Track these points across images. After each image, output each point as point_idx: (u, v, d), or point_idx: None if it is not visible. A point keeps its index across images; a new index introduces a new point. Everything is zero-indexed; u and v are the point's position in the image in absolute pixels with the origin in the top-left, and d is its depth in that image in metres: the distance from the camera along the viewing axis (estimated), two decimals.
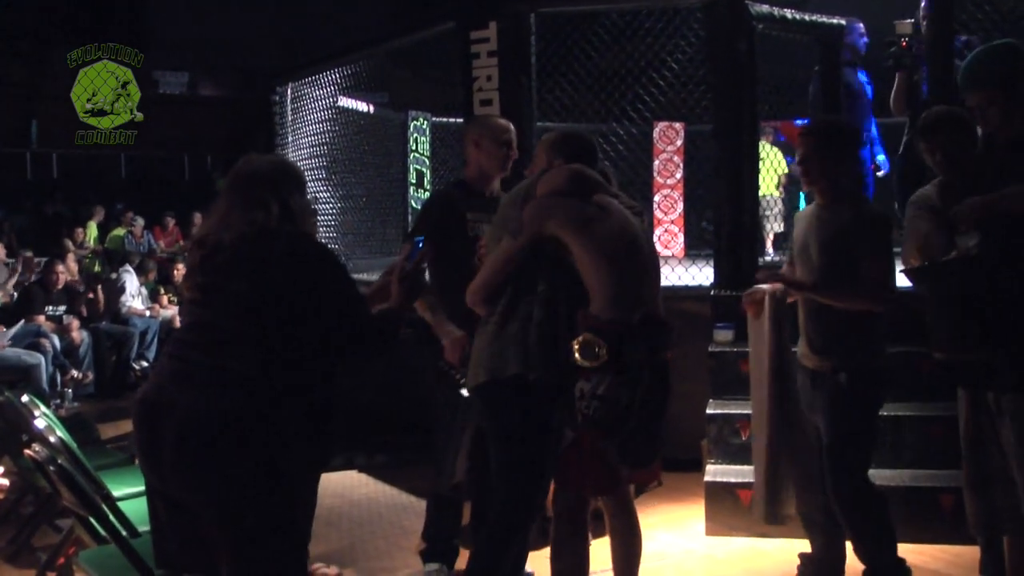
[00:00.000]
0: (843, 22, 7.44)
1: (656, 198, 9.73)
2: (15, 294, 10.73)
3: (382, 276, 3.46)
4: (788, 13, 6.96)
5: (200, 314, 3.02)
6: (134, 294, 11.29)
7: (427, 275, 3.50)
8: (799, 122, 7.03)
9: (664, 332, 3.61)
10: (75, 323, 10.13)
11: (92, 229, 15.34)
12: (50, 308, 10.02)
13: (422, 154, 10.79)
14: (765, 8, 6.99)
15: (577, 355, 3.47)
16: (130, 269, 11.64)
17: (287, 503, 2.87)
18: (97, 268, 13.98)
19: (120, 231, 15.22)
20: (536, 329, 3.59)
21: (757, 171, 6.74)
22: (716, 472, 5.40)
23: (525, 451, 3.64)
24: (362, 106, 9.85)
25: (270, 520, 2.83)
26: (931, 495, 5.05)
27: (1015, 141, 3.57)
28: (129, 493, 4.10)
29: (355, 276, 7.23)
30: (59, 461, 3.39)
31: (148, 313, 11.31)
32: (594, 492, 3.71)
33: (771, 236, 9.75)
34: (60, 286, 10.32)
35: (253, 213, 2.97)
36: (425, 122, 10.86)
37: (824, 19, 7.23)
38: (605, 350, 3.43)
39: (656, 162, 9.43)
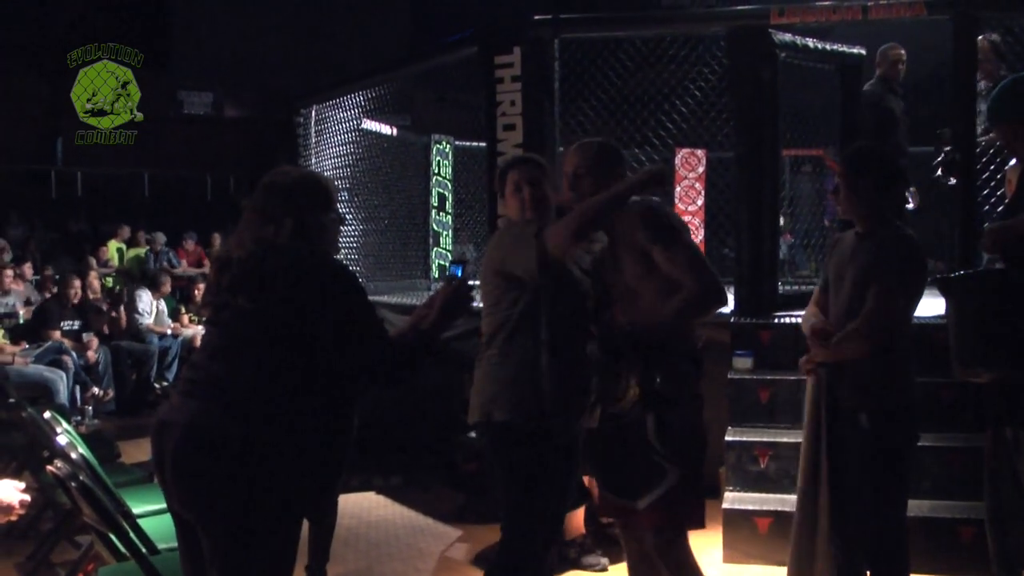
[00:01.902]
0: (863, 51, 7.43)
1: None
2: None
3: (423, 304, 3.34)
4: (810, 42, 6.97)
5: (210, 332, 3.04)
6: (148, 311, 11.34)
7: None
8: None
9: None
10: (94, 341, 10.19)
11: (114, 248, 15.42)
12: (65, 323, 10.08)
13: (444, 177, 10.83)
14: (788, 37, 7.01)
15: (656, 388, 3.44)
16: (144, 288, 11.70)
17: (272, 525, 2.83)
18: (113, 285, 14.06)
19: (140, 251, 15.30)
20: (543, 376, 3.59)
21: (778, 199, 6.75)
22: (734, 500, 5.39)
23: (520, 494, 3.62)
24: (385, 129, 9.91)
25: (251, 540, 2.80)
26: (950, 526, 5.01)
27: None
28: (149, 511, 4.12)
29: (376, 299, 7.29)
30: (80, 477, 3.42)
31: (169, 331, 11.38)
32: (698, 525, 3.66)
33: None
34: (76, 301, 10.40)
35: (264, 229, 2.96)
36: (448, 146, 10.91)
37: (846, 48, 7.24)
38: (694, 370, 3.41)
39: (678, 188, 9.43)
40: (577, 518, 5.22)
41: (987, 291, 3.66)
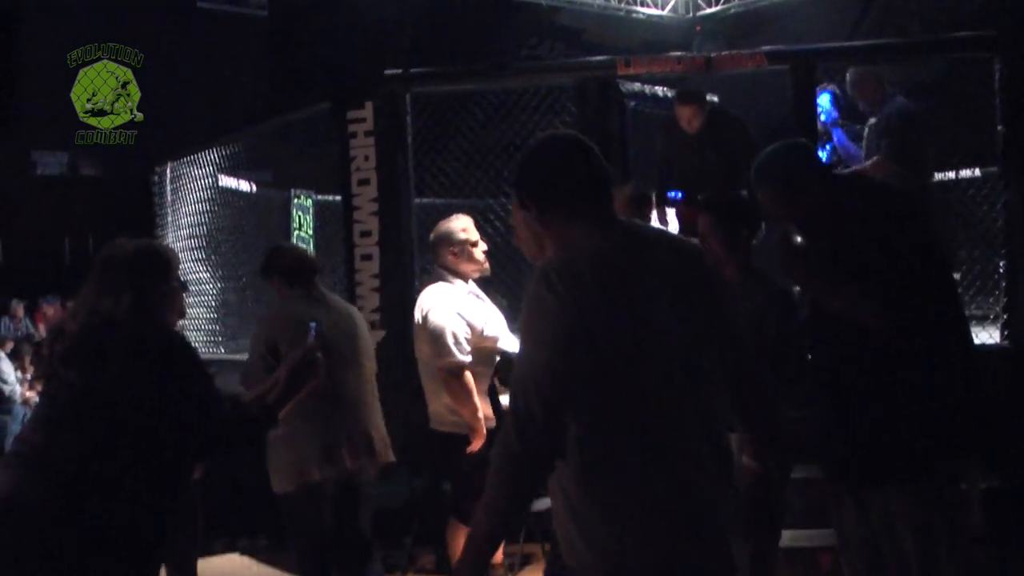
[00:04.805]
0: (715, 98, 7.61)
1: None
2: None
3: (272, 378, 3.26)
4: (659, 91, 7.18)
5: (39, 403, 3.01)
6: (9, 380, 11.00)
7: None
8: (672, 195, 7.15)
9: None
10: None
11: None
12: None
13: (306, 232, 10.77)
14: (637, 86, 7.21)
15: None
16: (2, 355, 11.35)
17: None
18: None
19: None
20: None
21: None
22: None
23: None
24: (244, 185, 9.80)
25: None
26: (810, 554, 5.17)
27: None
28: None
29: (236, 357, 7.17)
30: None
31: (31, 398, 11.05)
32: None
33: None
34: None
35: (100, 302, 2.93)
36: (308, 200, 10.86)
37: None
38: None
39: None
40: None
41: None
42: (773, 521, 4.21)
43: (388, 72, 7.16)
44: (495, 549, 2.35)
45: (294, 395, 3.12)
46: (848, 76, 6.74)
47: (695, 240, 4.11)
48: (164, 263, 3.14)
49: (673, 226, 6.93)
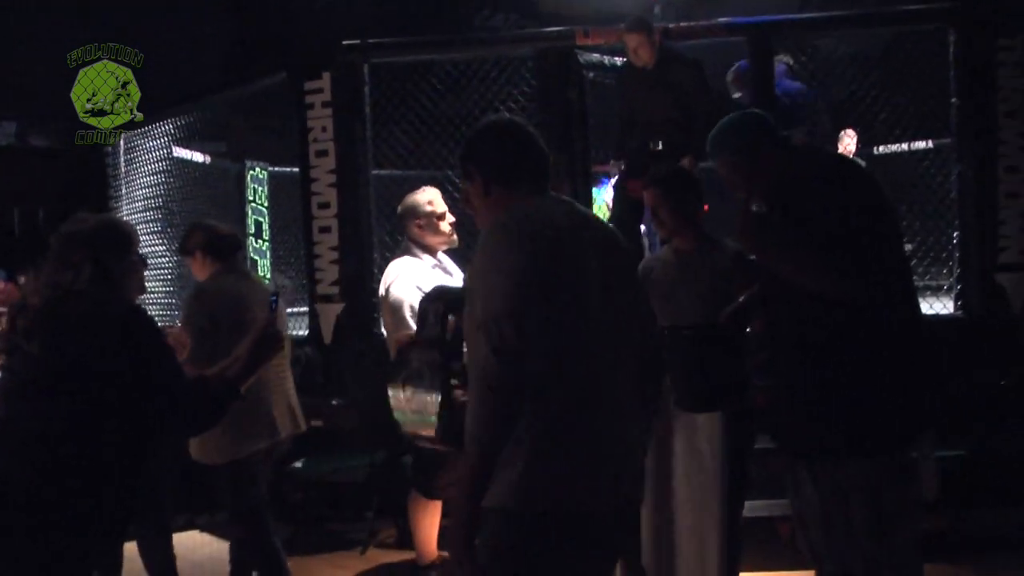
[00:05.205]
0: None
1: None
2: None
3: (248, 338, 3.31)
4: (618, 60, 7.17)
5: (1, 376, 2.99)
6: None
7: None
8: None
9: None
10: None
11: None
12: None
13: (261, 204, 10.69)
14: (595, 57, 7.20)
15: None
16: None
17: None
18: None
19: None
20: None
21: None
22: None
23: None
24: (198, 156, 9.70)
25: None
26: (769, 524, 5.25)
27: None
28: None
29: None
30: None
31: None
32: None
33: None
34: None
35: (62, 275, 2.94)
36: (263, 172, 10.78)
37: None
38: None
39: None
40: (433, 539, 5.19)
41: (707, 343, 3.86)
42: (738, 491, 4.27)
43: (346, 43, 7.09)
44: (486, 482, 2.44)
45: (257, 369, 3.19)
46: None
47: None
48: (125, 238, 3.17)
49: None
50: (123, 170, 9.79)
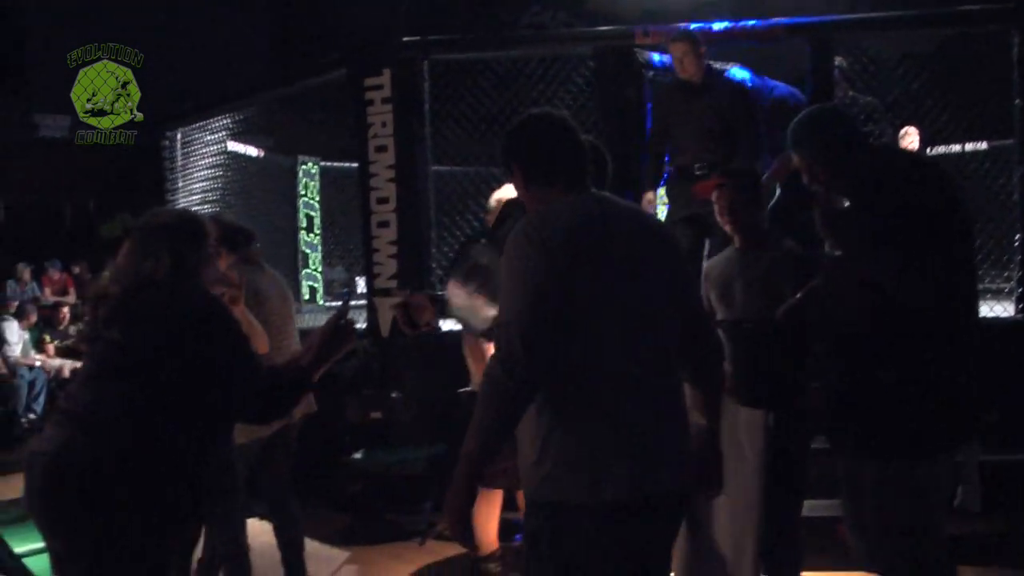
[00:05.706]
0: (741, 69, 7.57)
1: None
2: None
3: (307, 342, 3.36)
4: None
5: (84, 363, 3.07)
6: (15, 342, 11.03)
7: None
8: None
9: None
10: None
11: None
12: None
13: (312, 199, 10.79)
14: (655, 56, 7.20)
15: None
16: (9, 317, 11.38)
17: (136, 554, 2.84)
18: None
19: None
20: None
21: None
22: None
23: None
24: (251, 150, 9.82)
25: (116, 570, 2.81)
26: (828, 524, 5.21)
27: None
28: (33, 549, 4.02)
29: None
30: None
31: (38, 363, 11.08)
32: None
33: None
34: None
35: (141, 265, 3.01)
36: (315, 167, 10.87)
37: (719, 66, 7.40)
38: None
39: None
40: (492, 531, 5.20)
41: (764, 338, 3.88)
42: (795, 492, 4.26)
43: (406, 39, 7.15)
44: (482, 466, 2.59)
45: (329, 359, 3.21)
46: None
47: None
48: (200, 230, 3.24)
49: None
50: (179, 163, 9.90)
